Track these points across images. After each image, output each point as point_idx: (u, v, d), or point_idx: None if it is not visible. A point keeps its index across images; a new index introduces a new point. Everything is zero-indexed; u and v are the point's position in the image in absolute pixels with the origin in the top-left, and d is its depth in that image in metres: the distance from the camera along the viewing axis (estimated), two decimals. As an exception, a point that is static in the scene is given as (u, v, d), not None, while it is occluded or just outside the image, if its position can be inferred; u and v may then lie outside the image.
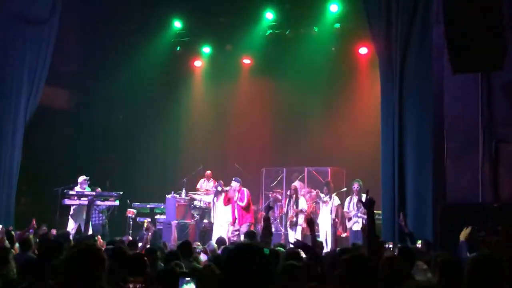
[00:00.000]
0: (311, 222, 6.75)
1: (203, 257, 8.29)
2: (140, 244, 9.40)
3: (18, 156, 12.48)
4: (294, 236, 13.12)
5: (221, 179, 14.33)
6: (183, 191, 14.72)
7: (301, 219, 13.34)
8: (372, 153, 12.99)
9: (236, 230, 12.87)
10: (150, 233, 10.65)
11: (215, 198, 13.72)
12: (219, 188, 13.57)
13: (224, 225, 13.42)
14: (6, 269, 5.59)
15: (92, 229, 12.85)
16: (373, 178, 13.77)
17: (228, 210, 13.33)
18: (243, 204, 12.88)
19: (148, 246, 9.20)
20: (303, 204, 13.54)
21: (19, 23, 12.38)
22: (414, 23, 11.12)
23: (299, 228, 13.38)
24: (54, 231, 10.34)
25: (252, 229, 12.38)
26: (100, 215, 13.40)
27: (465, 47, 8.32)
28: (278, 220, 14.87)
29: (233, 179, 13.27)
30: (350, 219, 12.83)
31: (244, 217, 12.92)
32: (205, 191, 15.03)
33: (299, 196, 13.65)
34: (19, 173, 12.50)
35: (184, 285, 3.21)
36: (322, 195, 13.53)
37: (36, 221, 10.41)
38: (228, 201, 13.17)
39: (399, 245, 8.05)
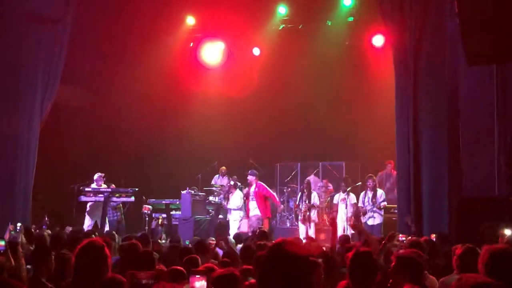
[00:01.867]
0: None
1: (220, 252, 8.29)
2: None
3: (34, 154, 12.53)
4: (309, 232, 13.06)
5: (235, 175, 14.34)
6: (198, 187, 14.75)
7: (313, 214, 13.30)
8: (387, 146, 12.94)
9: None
10: (157, 227, 10.68)
11: (228, 193, 13.71)
12: (232, 182, 13.64)
13: (237, 220, 13.42)
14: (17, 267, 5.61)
15: (109, 226, 12.93)
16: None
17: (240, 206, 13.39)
18: (272, 193, 13.42)
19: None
20: (315, 199, 13.46)
21: (33, 22, 12.42)
22: (428, 15, 11.07)
23: (313, 224, 13.30)
24: (69, 228, 10.40)
25: (267, 226, 12.51)
26: (115, 211, 13.46)
27: (480, 39, 8.23)
28: (293, 215, 14.84)
29: (249, 172, 13.34)
30: (365, 213, 12.79)
31: (267, 208, 13.17)
32: (219, 187, 15.05)
33: (311, 190, 13.54)
34: (35, 171, 12.56)
35: (195, 282, 3.19)
36: (342, 195, 13.29)
37: (50, 218, 10.50)
38: (247, 196, 13.26)
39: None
